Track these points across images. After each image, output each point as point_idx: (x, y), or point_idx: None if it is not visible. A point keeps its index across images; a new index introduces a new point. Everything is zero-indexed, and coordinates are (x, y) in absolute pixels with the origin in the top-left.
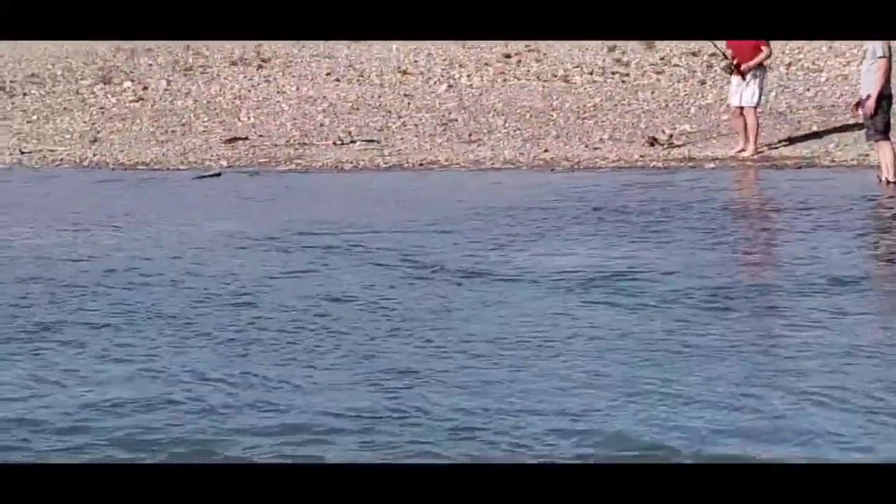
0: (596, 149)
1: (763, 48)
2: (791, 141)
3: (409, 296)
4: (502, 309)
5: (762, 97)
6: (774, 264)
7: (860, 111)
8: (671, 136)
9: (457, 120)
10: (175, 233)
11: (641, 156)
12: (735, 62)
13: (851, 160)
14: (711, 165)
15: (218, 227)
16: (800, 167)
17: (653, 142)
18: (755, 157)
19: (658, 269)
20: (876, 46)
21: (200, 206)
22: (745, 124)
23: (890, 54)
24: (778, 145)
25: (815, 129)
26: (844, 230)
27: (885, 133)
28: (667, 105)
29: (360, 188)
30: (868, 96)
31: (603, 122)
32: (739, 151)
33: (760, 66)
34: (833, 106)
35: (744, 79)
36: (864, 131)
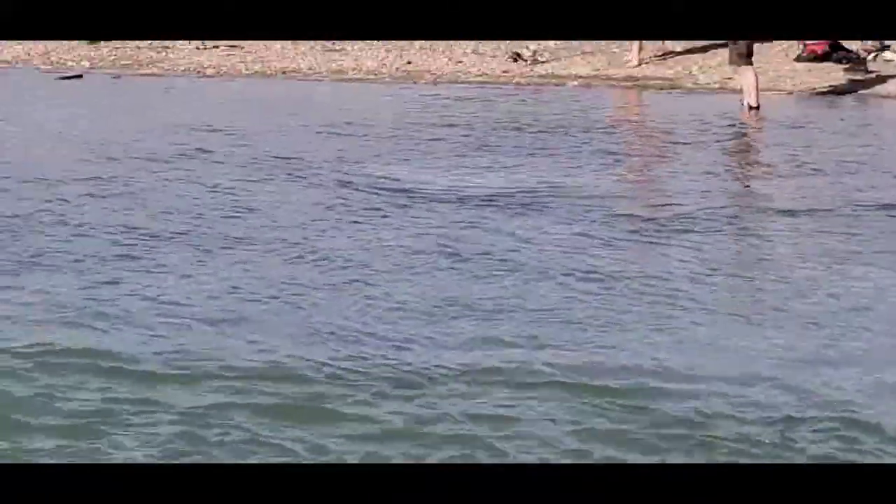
0: (459, 62)
1: None
2: (655, 61)
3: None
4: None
5: None
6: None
7: None
8: (535, 52)
9: None
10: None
11: (504, 71)
12: None
13: (714, 83)
14: (574, 83)
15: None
16: (662, 89)
17: (516, 57)
18: (639, 64)
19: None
20: None
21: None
22: None
23: None
24: (642, 65)
25: (678, 49)
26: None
27: (748, 58)
28: None
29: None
30: None
31: None
32: (626, 62)
33: None
34: None
35: None
36: (727, 55)
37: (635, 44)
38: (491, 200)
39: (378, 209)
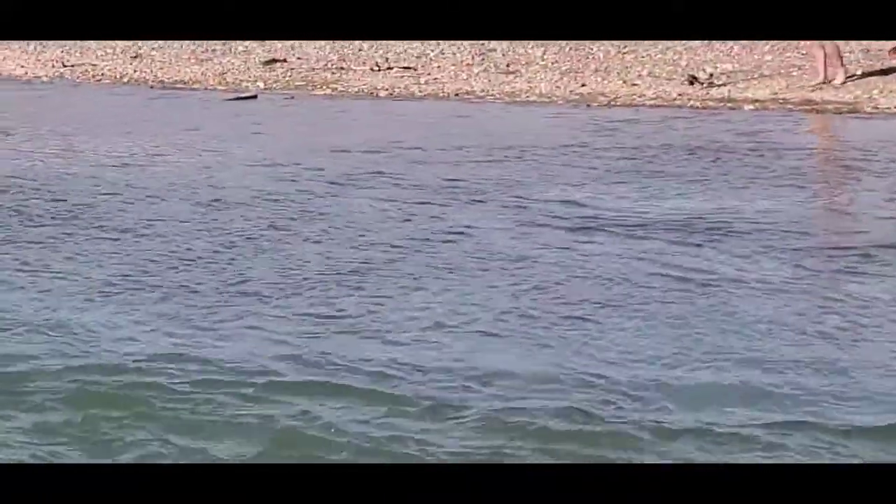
0: (634, 85)
1: None
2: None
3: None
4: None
5: None
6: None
7: None
8: (711, 74)
9: (495, 50)
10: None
11: (680, 94)
12: None
13: (895, 107)
14: (751, 107)
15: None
16: (842, 113)
17: (692, 80)
18: (845, 81)
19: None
20: None
21: (229, 127)
22: (824, 54)
23: None
24: (821, 86)
25: (860, 72)
26: None
27: None
28: (709, 42)
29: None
30: None
31: (643, 57)
32: (824, 82)
33: None
34: (880, 50)
35: None
36: None
37: (821, 61)
38: (685, 226)
39: (577, 234)
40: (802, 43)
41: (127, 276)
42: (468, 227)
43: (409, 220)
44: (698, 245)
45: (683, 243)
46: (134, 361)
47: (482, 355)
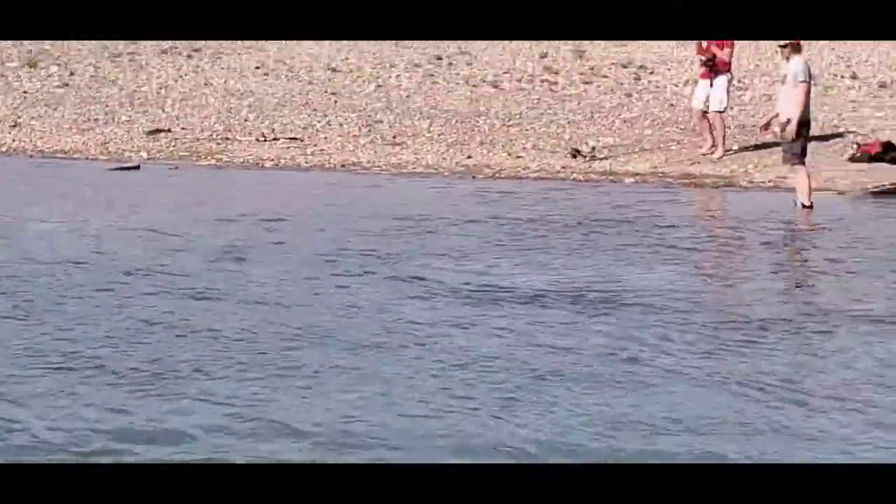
0: (519, 157)
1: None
2: (707, 156)
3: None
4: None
5: (728, 104)
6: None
7: (778, 132)
8: (594, 148)
9: (382, 121)
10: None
11: (563, 167)
12: (711, 59)
13: (769, 182)
14: (631, 180)
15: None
16: (718, 186)
17: (575, 153)
18: (723, 156)
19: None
20: (798, 70)
21: (108, 199)
22: (710, 126)
23: (811, 79)
24: (699, 160)
25: (735, 147)
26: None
27: (802, 157)
28: (592, 116)
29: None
30: (789, 120)
31: (528, 130)
32: (710, 151)
33: (728, 71)
34: (755, 126)
35: (711, 85)
36: (781, 154)
37: (717, 137)
38: (577, 298)
39: (477, 306)
40: (687, 116)
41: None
42: (367, 300)
43: (296, 291)
44: (594, 315)
45: (579, 313)
46: None
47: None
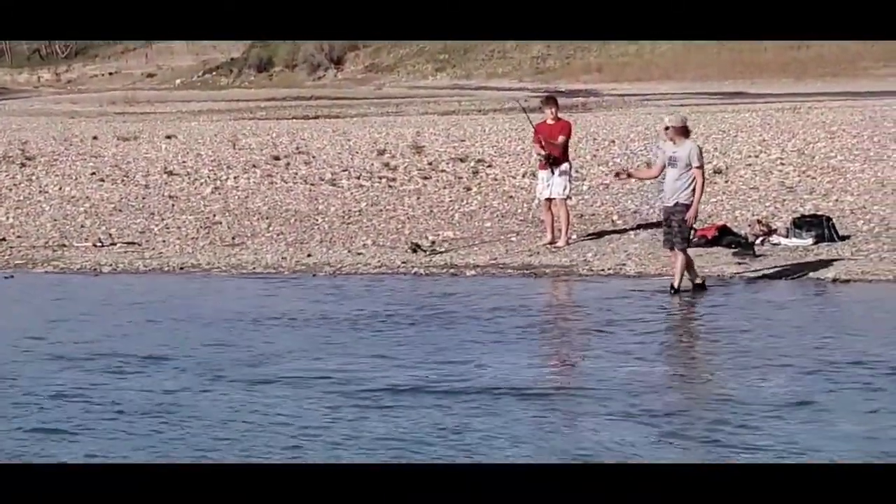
0: (359, 254)
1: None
2: (549, 248)
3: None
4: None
5: (571, 189)
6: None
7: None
8: (434, 242)
9: (221, 223)
10: None
11: (404, 262)
12: (549, 155)
13: (609, 269)
14: (472, 272)
15: None
16: (558, 276)
17: (415, 248)
18: (567, 243)
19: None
20: (693, 155)
21: None
22: (553, 218)
23: (702, 163)
24: (538, 251)
25: (574, 237)
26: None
27: (687, 242)
28: (431, 211)
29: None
30: (684, 205)
31: (367, 226)
32: (551, 243)
33: (566, 160)
34: (593, 215)
35: (553, 173)
36: (663, 237)
37: (563, 224)
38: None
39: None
40: (526, 207)
41: None
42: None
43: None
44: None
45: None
46: None
47: None
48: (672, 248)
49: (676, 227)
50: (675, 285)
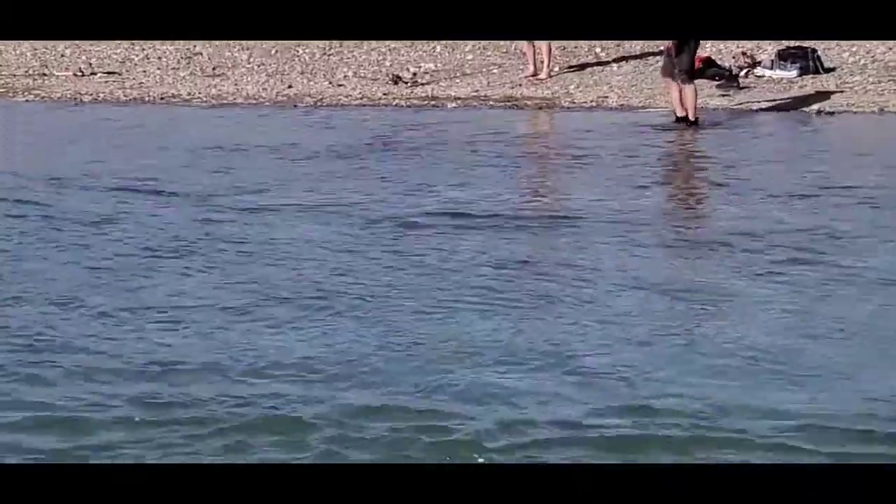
0: (340, 85)
1: None
2: (531, 80)
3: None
4: None
5: None
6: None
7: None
8: (415, 74)
9: (201, 54)
10: None
11: (385, 93)
12: None
13: (591, 101)
14: (453, 105)
15: None
16: (540, 108)
17: (397, 79)
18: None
19: None
20: None
21: None
22: (535, 49)
23: None
24: (520, 83)
25: (557, 69)
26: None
27: (691, 73)
28: (413, 42)
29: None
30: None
31: (349, 58)
32: (533, 75)
33: None
34: (576, 47)
35: None
36: (662, 65)
37: (530, 54)
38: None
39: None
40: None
41: None
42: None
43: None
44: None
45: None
46: None
47: None
48: (672, 78)
49: (676, 60)
50: (691, 117)
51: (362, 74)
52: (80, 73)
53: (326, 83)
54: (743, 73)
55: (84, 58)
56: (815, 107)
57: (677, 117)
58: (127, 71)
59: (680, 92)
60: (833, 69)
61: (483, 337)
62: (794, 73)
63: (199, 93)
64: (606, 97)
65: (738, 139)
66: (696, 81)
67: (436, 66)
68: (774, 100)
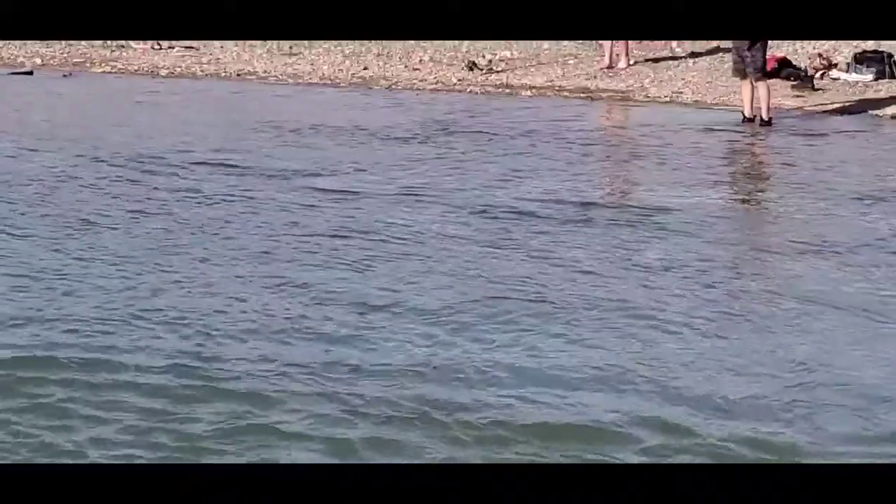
0: (416, 69)
1: None
2: (606, 73)
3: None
4: None
5: None
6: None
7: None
8: (490, 61)
9: None
10: None
11: (460, 80)
12: None
13: (665, 97)
14: (528, 94)
15: None
16: (614, 101)
17: (472, 66)
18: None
19: None
20: None
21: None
22: (611, 41)
23: None
24: (595, 75)
25: (632, 62)
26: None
27: (764, 71)
28: None
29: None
30: None
31: (425, 43)
32: (608, 67)
33: None
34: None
35: None
36: (732, 66)
37: (607, 47)
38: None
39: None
40: None
41: None
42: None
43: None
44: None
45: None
46: None
47: None
48: (744, 77)
49: (749, 57)
50: (765, 116)
51: (438, 59)
52: (157, 47)
53: (402, 66)
54: (818, 74)
55: None
56: (888, 111)
57: (744, 117)
58: (204, 46)
59: (753, 91)
60: None
61: None
62: (870, 76)
63: (276, 71)
64: (681, 93)
65: (811, 140)
66: (769, 81)
67: (511, 54)
68: (849, 103)
